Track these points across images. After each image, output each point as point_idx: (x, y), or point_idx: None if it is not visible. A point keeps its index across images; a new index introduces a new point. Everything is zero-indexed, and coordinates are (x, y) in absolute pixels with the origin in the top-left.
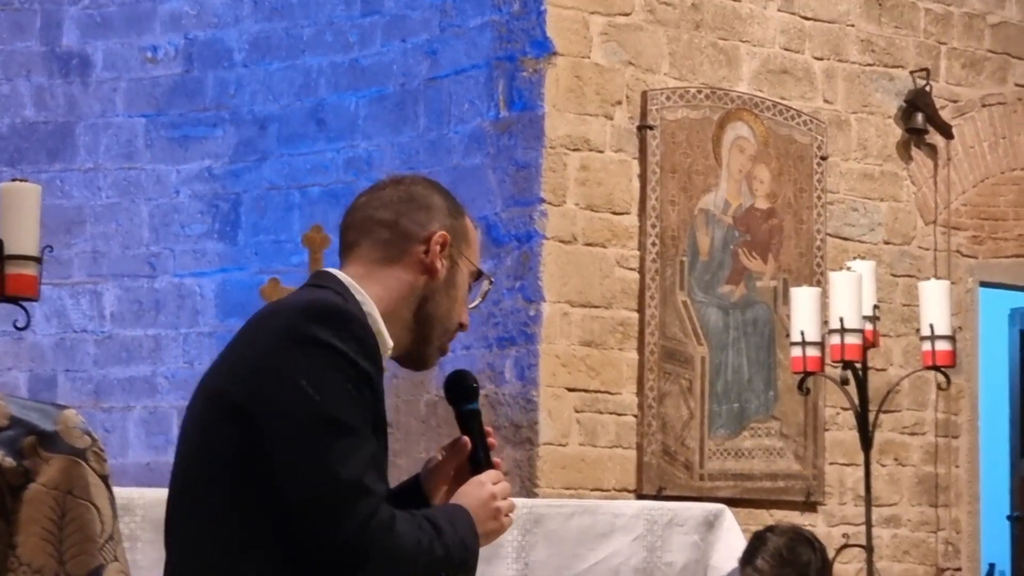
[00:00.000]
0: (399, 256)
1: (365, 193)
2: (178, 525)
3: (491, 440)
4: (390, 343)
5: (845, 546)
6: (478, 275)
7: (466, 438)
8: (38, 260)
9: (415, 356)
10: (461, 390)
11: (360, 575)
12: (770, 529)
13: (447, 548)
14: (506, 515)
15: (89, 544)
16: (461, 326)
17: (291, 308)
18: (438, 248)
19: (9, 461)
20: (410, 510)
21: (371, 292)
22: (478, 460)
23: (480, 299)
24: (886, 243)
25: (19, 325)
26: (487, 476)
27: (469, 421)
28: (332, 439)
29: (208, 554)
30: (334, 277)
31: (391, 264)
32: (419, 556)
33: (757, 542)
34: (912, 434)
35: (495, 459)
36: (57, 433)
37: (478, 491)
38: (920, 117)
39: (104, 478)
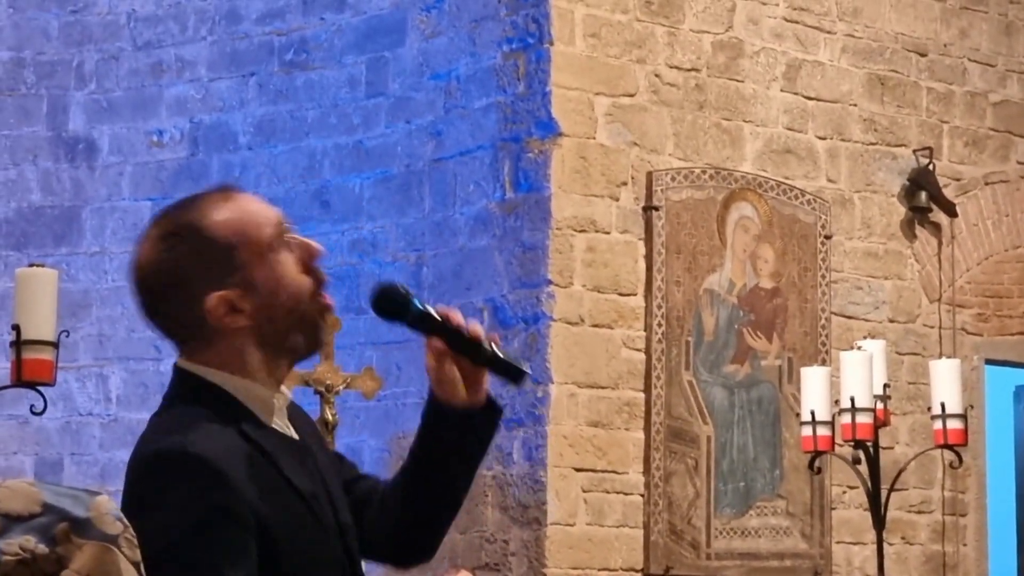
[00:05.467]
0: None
1: None
2: None
3: (453, 318)
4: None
5: None
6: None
7: (434, 340)
8: (55, 345)
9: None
10: (392, 305)
11: None
12: None
13: None
14: None
15: None
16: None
17: None
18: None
19: (42, 548)
20: None
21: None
22: (462, 347)
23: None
24: (891, 321)
25: (36, 410)
26: None
27: (423, 326)
28: None
29: None
30: None
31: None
32: None
33: None
34: (919, 512)
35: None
36: (90, 519)
37: None
38: (923, 195)
39: (136, 564)
